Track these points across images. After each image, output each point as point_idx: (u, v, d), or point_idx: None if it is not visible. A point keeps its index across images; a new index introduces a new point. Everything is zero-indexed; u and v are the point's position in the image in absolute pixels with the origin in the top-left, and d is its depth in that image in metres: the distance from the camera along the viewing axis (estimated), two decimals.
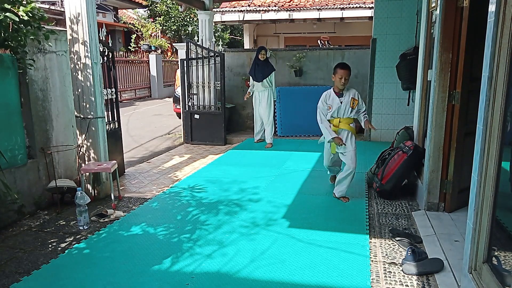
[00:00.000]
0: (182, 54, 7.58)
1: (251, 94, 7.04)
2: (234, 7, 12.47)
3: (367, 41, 7.81)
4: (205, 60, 7.35)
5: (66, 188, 4.15)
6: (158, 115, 12.17)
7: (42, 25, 3.76)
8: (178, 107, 9.56)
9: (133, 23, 20.14)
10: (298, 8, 11.95)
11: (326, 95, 4.07)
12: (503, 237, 2.33)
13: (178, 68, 13.01)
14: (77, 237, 3.47)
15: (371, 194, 4.48)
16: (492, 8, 1.99)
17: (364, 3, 11.37)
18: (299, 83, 8.20)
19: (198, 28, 8.40)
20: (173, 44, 10.11)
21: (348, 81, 3.96)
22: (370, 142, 7.12)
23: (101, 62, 4.53)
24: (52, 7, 13.12)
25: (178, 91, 8.99)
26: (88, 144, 4.41)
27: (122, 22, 20.26)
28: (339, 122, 4.06)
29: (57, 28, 4.41)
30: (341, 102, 4.00)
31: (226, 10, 12.41)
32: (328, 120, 4.07)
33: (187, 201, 4.31)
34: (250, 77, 6.98)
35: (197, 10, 8.46)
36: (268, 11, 12.15)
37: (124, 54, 16.75)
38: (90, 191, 4.42)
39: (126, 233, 3.52)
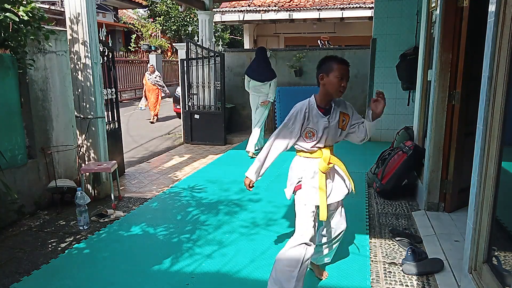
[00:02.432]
0: (182, 54, 7.57)
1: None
2: (234, 7, 12.47)
3: (367, 41, 7.81)
4: (205, 60, 7.35)
5: (66, 188, 4.15)
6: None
7: (42, 25, 3.76)
8: (178, 107, 9.56)
9: (133, 23, 20.14)
10: (298, 8, 11.95)
11: (303, 110, 2.37)
12: (503, 237, 2.34)
13: (148, 70, 11.11)
14: (77, 237, 3.47)
15: (371, 194, 4.48)
16: (492, 8, 1.99)
17: (364, 3, 11.37)
18: (299, 83, 8.20)
19: (198, 28, 8.40)
20: (173, 44, 10.08)
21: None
22: (370, 142, 7.11)
23: (101, 62, 4.54)
24: (52, 7, 13.11)
25: (178, 90, 8.98)
26: (88, 144, 4.41)
27: (122, 22, 20.25)
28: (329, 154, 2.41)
29: (57, 28, 4.41)
30: (329, 122, 2.37)
31: (226, 10, 12.41)
32: (309, 152, 2.43)
33: (187, 201, 4.31)
34: (252, 82, 6.14)
35: (197, 10, 8.46)
36: (268, 11, 12.14)
37: (124, 54, 16.75)
38: (90, 191, 4.42)
39: (126, 233, 3.52)
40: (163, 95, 11.31)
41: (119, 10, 19.83)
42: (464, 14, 3.42)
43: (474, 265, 2.19)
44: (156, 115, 11.05)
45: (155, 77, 11.10)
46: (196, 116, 7.49)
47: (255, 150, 6.15)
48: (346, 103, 2.47)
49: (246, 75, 6.29)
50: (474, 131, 2.19)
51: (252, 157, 6.04)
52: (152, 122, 10.85)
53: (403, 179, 4.34)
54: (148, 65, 11.74)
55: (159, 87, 11.08)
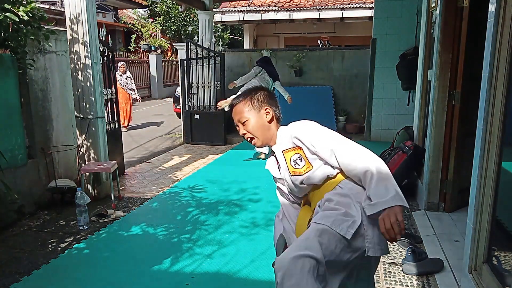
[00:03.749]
0: (182, 54, 7.58)
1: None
2: (234, 7, 12.47)
3: (367, 41, 7.81)
4: (205, 60, 7.35)
5: (66, 188, 4.15)
6: (158, 115, 12.16)
7: (42, 25, 3.76)
8: (178, 107, 9.55)
9: (133, 23, 20.14)
10: (298, 8, 11.95)
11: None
12: (503, 237, 2.34)
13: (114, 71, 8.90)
14: (77, 237, 3.47)
15: None
16: (492, 8, 1.99)
17: (364, 3, 11.37)
18: (299, 83, 8.19)
19: (198, 28, 8.40)
20: (173, 44, 10.04)
21: (253, 127, 1.86)
22: (370, 142, 7.11)
23: (101, 62, 4.54)
24: (52, 7, 13.09)
25: (178, 90, 8.95)
26: (88, 144, 4.41)
27: (122, 22, 20.25)
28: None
29: (57, 28, 4.41)
30: (278, 168, 1.90)
31: (226, 10, 12.41)
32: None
33: (187, 201, 4.31)
34: (262, 73, 6.00)
35: (197, 10, 8.46)
36: (268, 11, 12.14)
37: (124, 54, 16.75)
38: (90, 191, 4.42)
39: (126, 233, 3.52)
40: (134, 96, 9.59)
41: (119, 10, 19.83)
42: (464, 14, 3.42)
43: (474, 265, 2.19)
44: (129, 121, 9.62)
45: (126, 78, 9.46)
46: (196, 116, 7.50)
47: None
48: (295, 132, 1.80)
49: (263, 70, 6.00)
50: (474, 131, 2.19)
51: (264, 159, 5.98)
52: (125, 128, 9.22)
53: (403, 179, 4.34)
54: (119, 64, 9.60)
55: (128, 90, 9.42)
